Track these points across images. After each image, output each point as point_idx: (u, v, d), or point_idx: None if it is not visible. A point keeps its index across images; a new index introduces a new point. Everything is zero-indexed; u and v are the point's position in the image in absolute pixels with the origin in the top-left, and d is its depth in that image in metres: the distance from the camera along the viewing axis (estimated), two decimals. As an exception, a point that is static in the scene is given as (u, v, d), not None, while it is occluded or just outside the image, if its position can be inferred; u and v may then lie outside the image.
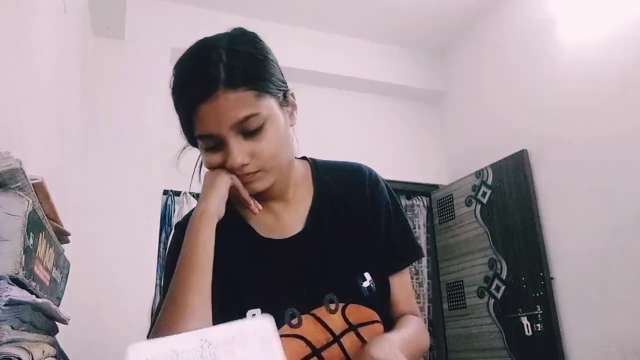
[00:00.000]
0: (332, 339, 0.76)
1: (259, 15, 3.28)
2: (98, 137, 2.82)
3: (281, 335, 0.74)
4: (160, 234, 2.91)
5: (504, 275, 3.09)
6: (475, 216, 3.37)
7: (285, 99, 0.80)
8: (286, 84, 0.81)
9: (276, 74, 0.78)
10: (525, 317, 2.90)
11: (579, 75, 2.83)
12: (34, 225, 0.70)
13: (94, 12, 2.81)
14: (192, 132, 0.76)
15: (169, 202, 3.02)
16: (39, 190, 0.81)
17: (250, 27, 0.83)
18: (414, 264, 3.14)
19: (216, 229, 0.79)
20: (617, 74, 2.60)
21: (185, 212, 3.01)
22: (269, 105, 0.74)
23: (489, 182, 3.30)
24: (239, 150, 0.72)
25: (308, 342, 0.76)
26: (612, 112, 2.60)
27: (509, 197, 3.15)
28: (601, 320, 2.54)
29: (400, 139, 3.87)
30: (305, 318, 0.77)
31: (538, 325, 2.84)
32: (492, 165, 3.29)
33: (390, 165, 3.50)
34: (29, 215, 0.67)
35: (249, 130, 0.72)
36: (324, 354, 0.75)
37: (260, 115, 0.72)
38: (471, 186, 3.44)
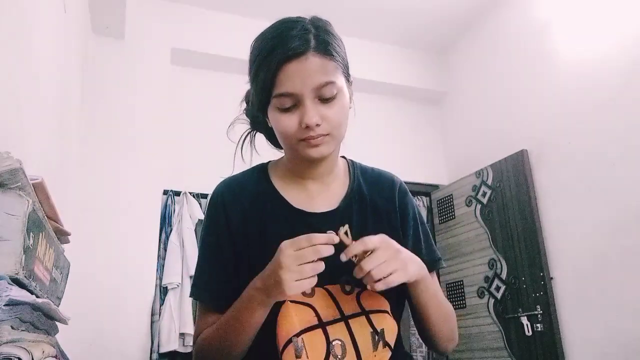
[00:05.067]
0: (339, 317, 0.80)
1: (259, 16, 3.28)
2: (98, 137, 2.82)
3: (293, 302, 0.79)
4: (160, 234, 2.91)
5: (504, 275, 3.09)
6: (475, 216, 3.37)
7: (349, 82, 0.88)
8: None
9: (346, 58, 0.86)
10: (525, 317, 2.90)
11: (579, 76, 2.83)
12: (34, 225, 0.70)
13: (94, 12, 2.81)
14: (269, 93, 0.80)
15: (169, 202, 3.02)
16: (39, 190, 0.81)
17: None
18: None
19: (253, 202, 0.89)
20: (617, 74, 2.60)
21: (185, 212, 3.02)
22: (342, 80, 0.82)
23: (489, 182, 3.30)
24: (315, 111, 0.78)
25: (317, 313, 0.80)
26: (612, 112, 2.60)
27: (509, 197, 3.15)
28: (601, 320, 2.54)
29: (401, 139, 3.87)
30: (318, 290, 0.81)
31: (538, 325, 2.84)
32: (492, 165, 3.29)
33: (390, 165, 3.45)
34: (29, 215, 0.67)
35: (325, 97, 0.79)
36: (329, 328, 0.79)
37: (335, 85, 0.80)
38: (471, 186, 3.44)
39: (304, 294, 0.80)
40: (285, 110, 0.79)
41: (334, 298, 0.81)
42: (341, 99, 0.81)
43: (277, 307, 0.79)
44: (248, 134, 0.96)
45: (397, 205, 0.93)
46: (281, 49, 0.77)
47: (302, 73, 0.77)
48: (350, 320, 0.80)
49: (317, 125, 0.78)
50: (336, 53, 0.81)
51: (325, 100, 0.79)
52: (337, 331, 0.79)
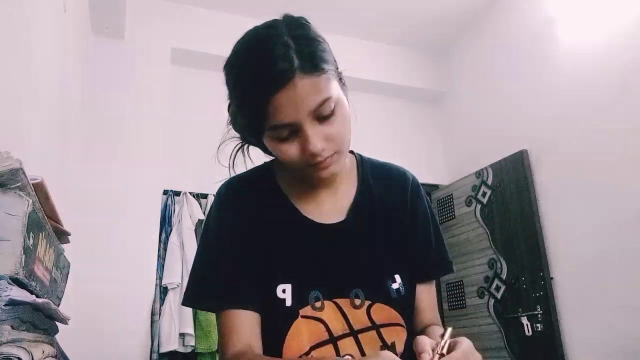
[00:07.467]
0: (348, 331, 0.77)
1: (259, 15, 3.28)
2: (98, 136, 2.82)
3: (304, 316, 0.76)
4: (160, 234, 2.91)
5: (504, 275, 3.09)
6: (475, 216, 3.37)
7: (341, 80, 0.80)
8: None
9: (332, 55, 0.77)
10: (525, 317, 2.90)
11: (579, 76, 2.83)
12: (34, 225, 0.70)
13: (94, 12, 2.81)
14: (261, 126, 0.72)
15: (169, 202, 3.02)
16: (39, 190, 0.81)
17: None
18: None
19: (260, 206, 0.84)
20: (617, 74, 2.60)
21: (185, 212, 3.02)
22: (336, 87, 0.74)
23: (489, 182, 3.30)
24: (318, 136, 0.71)
25: (327, 328, 0.77)
26: (612, 113, 2.60)
27: (509, 197, 3.15)
28: (601, 320, 2.54)
29: (401, 139, 3.87)
30: (328, 304, 0.78)
31: (538, 325, 2.84)
32: (492, 165, 3.29)
33: (390, 165, 3.49)
34: (29, 215, 0.67)
35: (324, 115, 0.71)
36: (340, 343, 0.77)
37: (332, 99, 0.71)
38: (471, 186, 3.44)
39: (313, 307, 0.77)
40: (284, 139, 0.72)
41: (342, 312, 0.78)
42: (340, 110, 0.73)
43: (289, 320, 0.76)
44: (239, 148, 0.89)
45: (408, 202, 0.89)
46: (263, 80, 0.68)
47: (294, 100, 0.68)
48: (360, 335, 0.77)
49: (323, 149, 0.72)
50: (323, 62, 0.71)
51: (324, 118, 0.71)
52: (348, 346, 0.77)
